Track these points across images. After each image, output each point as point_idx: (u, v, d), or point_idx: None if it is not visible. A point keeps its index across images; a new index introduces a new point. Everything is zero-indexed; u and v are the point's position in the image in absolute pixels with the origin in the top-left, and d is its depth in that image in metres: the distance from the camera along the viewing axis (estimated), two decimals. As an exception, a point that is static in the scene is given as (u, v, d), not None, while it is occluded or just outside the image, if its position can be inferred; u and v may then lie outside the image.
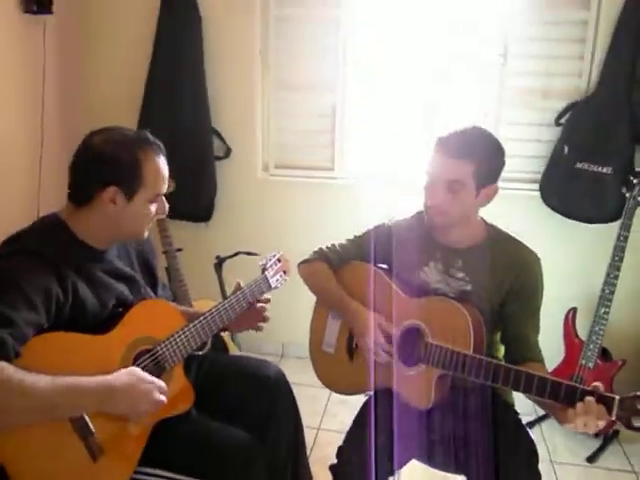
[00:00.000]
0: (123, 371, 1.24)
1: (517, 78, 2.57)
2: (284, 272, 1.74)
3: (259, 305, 1.61)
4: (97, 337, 1.28)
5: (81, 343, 1.26)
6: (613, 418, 1.19)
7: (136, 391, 1.22)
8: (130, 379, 1.23)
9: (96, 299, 1.32)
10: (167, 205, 1.41)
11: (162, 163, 1.36)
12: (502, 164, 1.47)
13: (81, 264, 1.31)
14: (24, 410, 1.11)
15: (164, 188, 1.38)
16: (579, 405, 1.20)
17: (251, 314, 1.60)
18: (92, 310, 1.31)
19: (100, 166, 1.30)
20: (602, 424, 1.20)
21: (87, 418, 1.21)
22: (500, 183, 2.64)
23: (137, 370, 1.26)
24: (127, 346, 1.33)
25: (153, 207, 1.37)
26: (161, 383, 1.28)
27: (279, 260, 1.73)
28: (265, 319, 1.63)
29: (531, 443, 1.45)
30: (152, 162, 1.33)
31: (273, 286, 1.67)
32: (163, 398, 1.27)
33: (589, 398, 1.20)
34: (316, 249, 1.72)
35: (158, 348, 1.37)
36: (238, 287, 1.57)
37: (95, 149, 1.31)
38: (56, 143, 2.73)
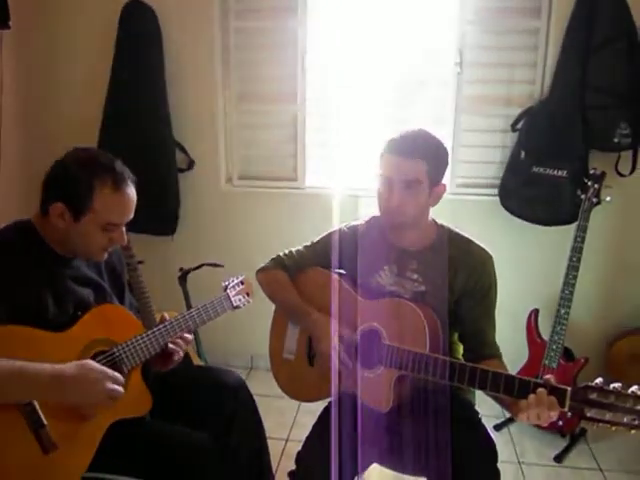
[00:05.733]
0: (75, 362, 1.25)
1: (473, 86, 2.62)
2: (247, 294, 1.74)
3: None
4: (55, 334, 1.30)
5: (38, 338, 1.27)
6: (566, 409, 1.21)
7: (87, 380, 1.22)
8: (82, 368, 1.23)
9: (57, 304, 1.34)
10: (125, 236, 1.41)
11: (121, 195, 1.35)
12: (447, 163, 1.50)
13: (48, 268, 1.34)
14: None
15: (120, 219, 1.37)
16: (531, 397, 1.21)
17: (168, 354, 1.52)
18: (51, 313, 1.32)
19: (57, 180, 1.34)
20: (554, 415, 1.21)
21: (38, 408, 1.21)
22: (461, 189, 2.74)
23: (90, 361, 1.26)
24: (84, 345, 1.34)
25: (106, 234, 1.37)
26: (114, 373, 1.28)
27: (242, 282, 1.74)
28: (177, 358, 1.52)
29: (489, 441, 1.45)
30: (107, 191, 1.32)
31: (235, 304, 1.68)
32: (118, 387, 1.26)
33: (540, 389, 1.21)
34: (274, 256, 1.72)
35: (115, 349, 1.37)
36: (162, 319, 1.51)
37: (61, 164, 1.35)
38: (14, 158, 2.69)
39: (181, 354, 1.52)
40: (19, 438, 1.20)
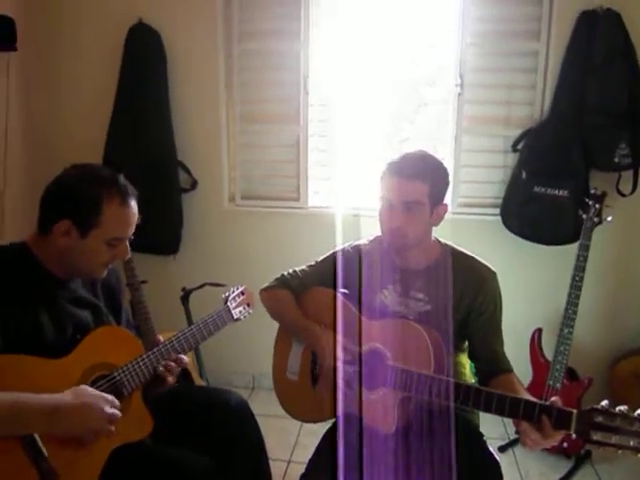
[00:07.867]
0: (71, 389, 1.22)
1: (474, 106, 2.64)
2: (248, 305, 1.72)
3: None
4: (53, 361, 1.27)
5: (36, 366, 1.24)
6: (572, 432, 1.20)
7: (85, 407, 1.20)
8: (77, 395, 1.21)
9: (55, 326, 1.32)
10: (129, 250, 1.40)
11: (127, 209, 1.34)
12: (448, 184, 1.51)
13: (45, 290, 1.32)
14: None
15: (125, 233, 1.37)
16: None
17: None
18: (50, 336, 1.30)
19: (61, 197, 1.32)
20: (559, 438, 1.21)
21: (39, 440, 1.18)
22: (462, 209, 2.74)
23: (85, 387, 1.24)
24: (83, 371, 1.31)
25: (111, 249, 1.35)
26: (110, 397, 1.25)
27: (242, 293, 1.72)
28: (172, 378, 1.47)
29: (494, 463, 1.44)
30: (114, 205, 1.31)
31: (236, 317, 1.66)
32: (115, 411, 1.24)
33: (543, 417, 1.21)
34: (277, 276, 1.72)
35: (115, 374, 1.35)
36: (158, 342, 1.47)
37: (63, 181, 1.33)
38: (20, 176, 2.71)
39: (172, 378, 1.46)
40: (18, 470, 1.16)
